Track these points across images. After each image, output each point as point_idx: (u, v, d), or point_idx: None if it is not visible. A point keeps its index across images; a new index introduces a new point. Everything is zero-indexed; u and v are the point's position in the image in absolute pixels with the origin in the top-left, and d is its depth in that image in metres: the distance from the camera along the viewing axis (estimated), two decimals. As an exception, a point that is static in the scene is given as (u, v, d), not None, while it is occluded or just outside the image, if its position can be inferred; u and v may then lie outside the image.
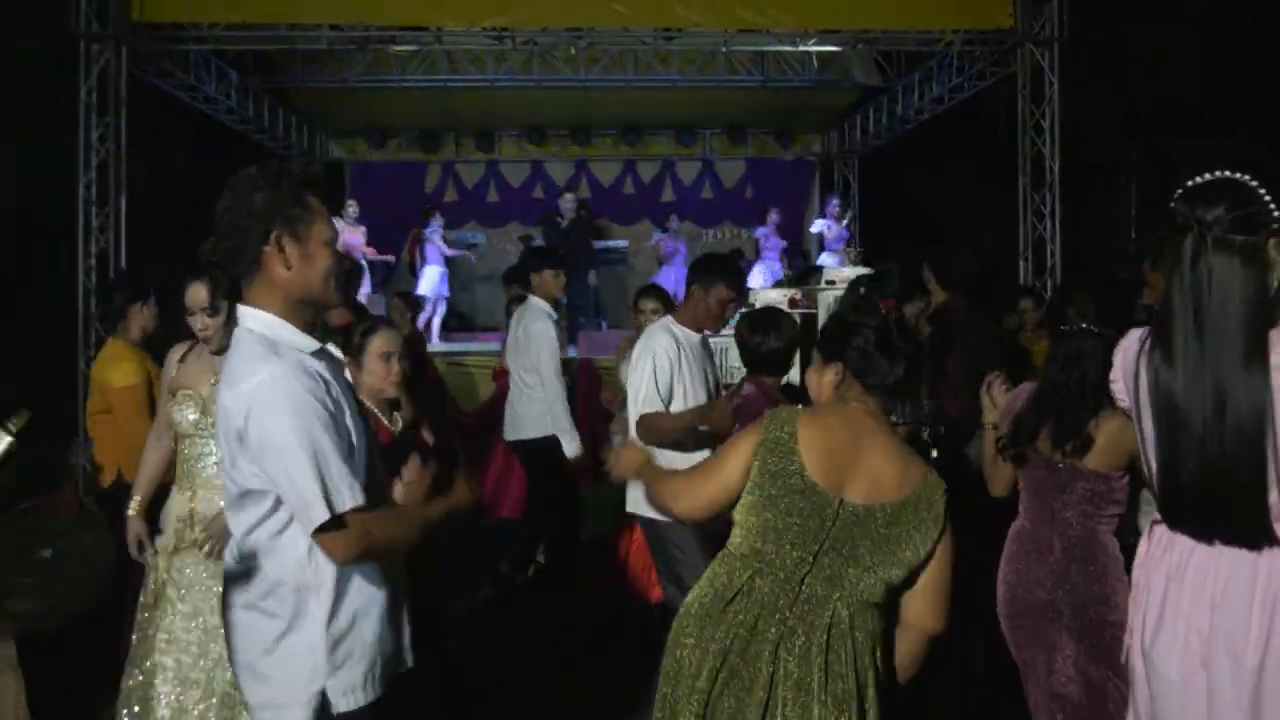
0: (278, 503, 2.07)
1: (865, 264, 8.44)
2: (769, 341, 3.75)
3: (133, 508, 3.54)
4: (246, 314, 2.12)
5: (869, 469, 2.31)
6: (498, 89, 11.55)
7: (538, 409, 5.59)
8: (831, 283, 5.33)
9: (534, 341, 5.61)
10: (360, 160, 14.50)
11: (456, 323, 13.49)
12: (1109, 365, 2.39)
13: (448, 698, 2.25)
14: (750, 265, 12.67)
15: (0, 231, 8.04)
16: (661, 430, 3.82)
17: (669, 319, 4.12)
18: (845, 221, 12.80)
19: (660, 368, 3.83)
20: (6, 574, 6.28)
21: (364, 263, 10.72)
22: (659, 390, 3.86)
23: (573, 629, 5.30)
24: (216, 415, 2.13)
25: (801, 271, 7.69)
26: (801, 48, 10.38)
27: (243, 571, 2.14)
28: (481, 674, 3.32)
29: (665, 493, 2.53)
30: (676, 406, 3.88)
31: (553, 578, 5.79)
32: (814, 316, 5.33)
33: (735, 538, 2.37)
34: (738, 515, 2.37)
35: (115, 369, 4.29)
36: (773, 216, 12.75)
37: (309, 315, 2.16)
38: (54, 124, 9.23)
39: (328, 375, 2.13)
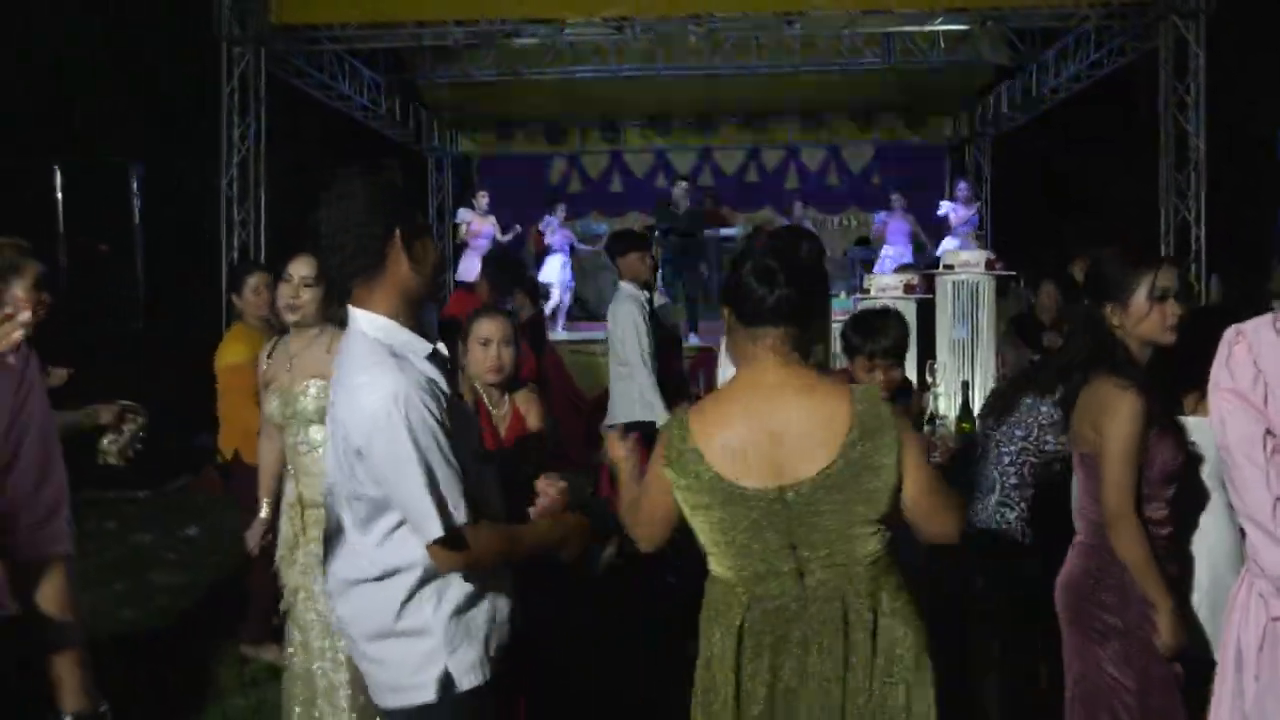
0: (376, 507, 2.12)
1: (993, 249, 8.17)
2: (868, 345, 3.52)
3: (263, 509, 3.60)
4: (359, 317, 2.13)
5: (791, 436, 2.02)
6: (621, 79, 11.62)
7: (631, 393, 5.62)
8: (950, 267, 5.16)
9: (619, 325, 5.66)
10: (488, 153, 14.81)
11: (579, 310, 13.64)
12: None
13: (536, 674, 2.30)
14: (876, 252, 12.43)
15: (151, 226, 8.50)
16: None
17: None
18: (974, 206, 12.39)
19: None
20: (153, 549, 6.67)
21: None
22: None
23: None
24: (327, 415, 2.17)
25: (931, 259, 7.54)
26: (928, 27, 10.11)
27: (356, 561, 2.18)
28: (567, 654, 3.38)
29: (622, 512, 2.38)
30: None
31: (628, 567, 5.70)
32: (931, 303, 5.20)
33: (711, 563, 2.15)
34: (698, 536, 2.14)
35: (225, 349, 4.51)
36: (896, 201, 12.44)
37: (416, 312, 2.19)
38: (199, 125, 9.73)
39: (441, 380, 2.15)
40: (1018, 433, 3.28)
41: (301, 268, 3.40)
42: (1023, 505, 3.25)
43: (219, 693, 4.30)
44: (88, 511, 7.09)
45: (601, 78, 11.65)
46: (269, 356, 3.56)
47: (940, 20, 9.82)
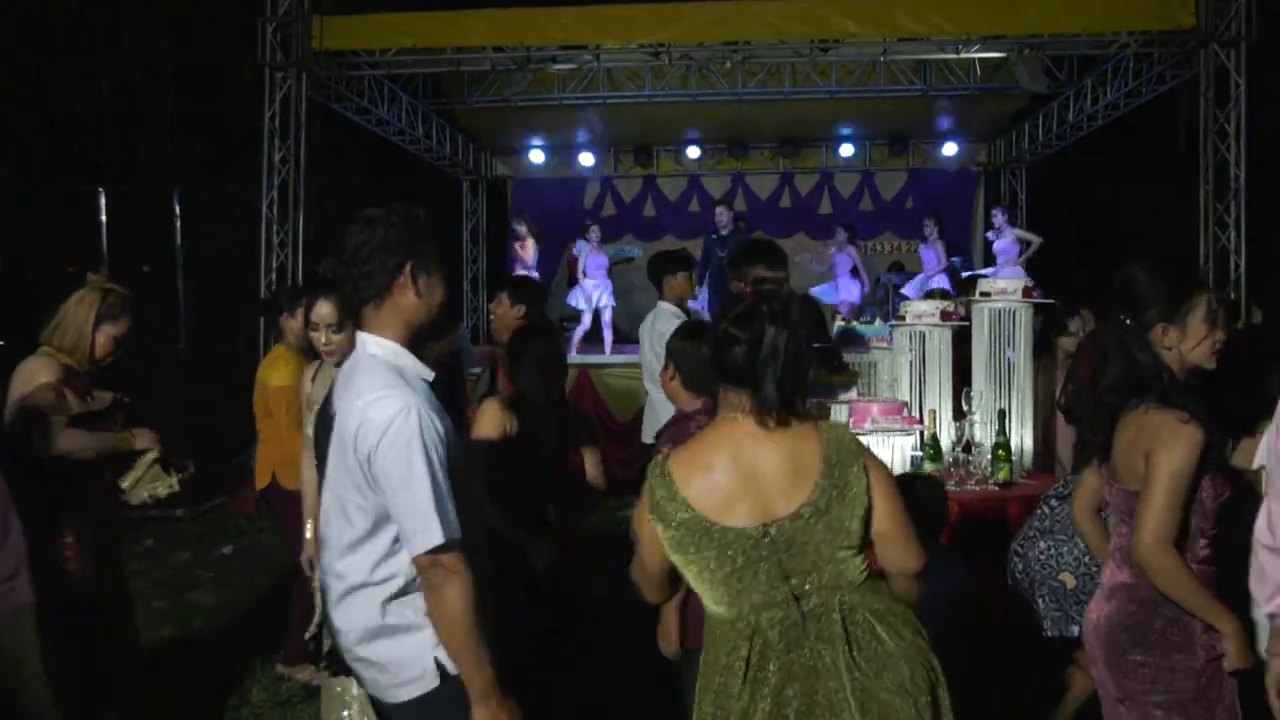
0: (382, 516, 2.22)
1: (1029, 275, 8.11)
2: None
3: (308, 530, 3.69)
4: (368, 340, 2.29)
5: (767, 476, 2.10)
6: (655, 104, 11.68)
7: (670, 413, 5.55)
8: (986, 294, 5.13)
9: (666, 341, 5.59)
10: (522, 177, 14.92)
11: (611, 333, 13.61)
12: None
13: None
14: (913, 277, 12.34)
15: (195, 248, 8.61)
16: None
17: None
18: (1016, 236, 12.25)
19: None
20: (190, 568, 6.73)
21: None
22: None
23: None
24: (337, 429, 2.25)
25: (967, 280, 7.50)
26: (964, 55, 10.09)
27: (357, 570, 2.28)
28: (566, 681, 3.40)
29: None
30: None
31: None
32: (968, 330, 5.17)
33: (708, 603, 2.17)
34: (691, 583, 2.18)
35: (274, 370, 4.56)
36: (929, 228, 12.33)
37: (421, 343, 2.36)
38: (240, 148, 9.89)
39: (438, 410, 2.29)
40: None
41: (325, 313, 3.52)
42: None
43: (254, 712, 4.33)
44: (127, 530, 7.18)
45: (636, 103, 11.71)
46: (312, 380, 3.65)
47: (977, 48, 9.80)
